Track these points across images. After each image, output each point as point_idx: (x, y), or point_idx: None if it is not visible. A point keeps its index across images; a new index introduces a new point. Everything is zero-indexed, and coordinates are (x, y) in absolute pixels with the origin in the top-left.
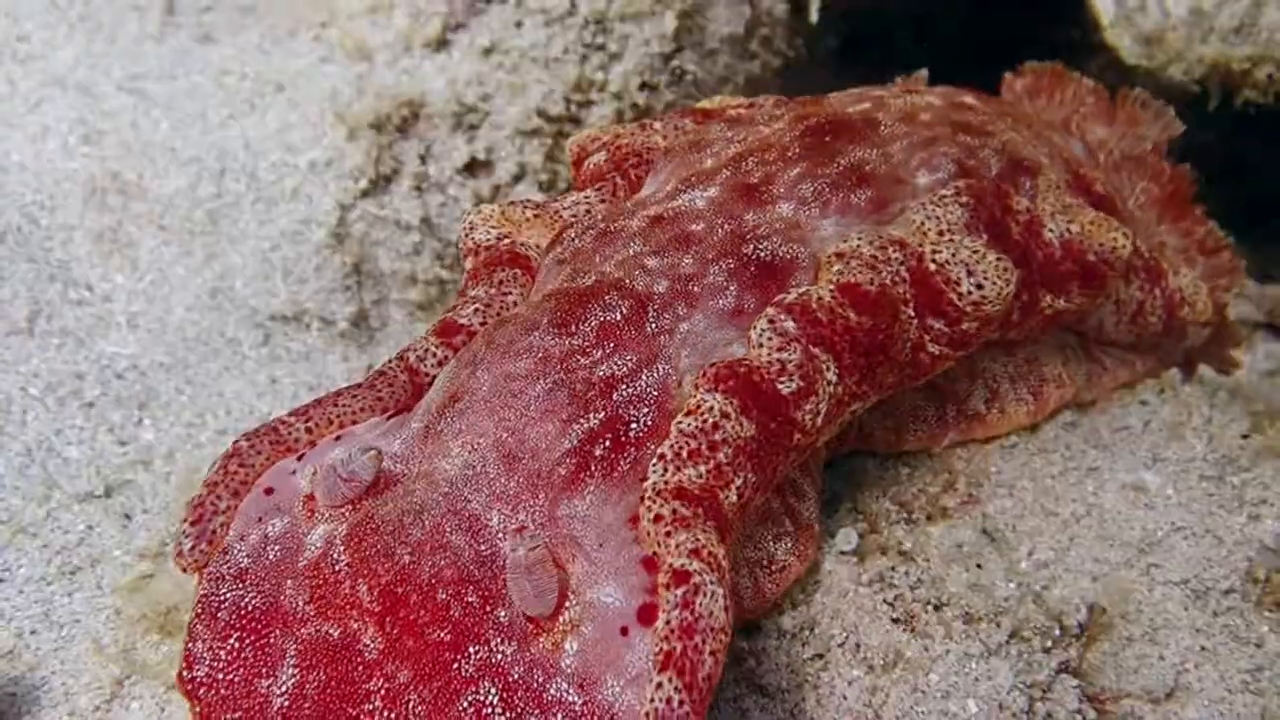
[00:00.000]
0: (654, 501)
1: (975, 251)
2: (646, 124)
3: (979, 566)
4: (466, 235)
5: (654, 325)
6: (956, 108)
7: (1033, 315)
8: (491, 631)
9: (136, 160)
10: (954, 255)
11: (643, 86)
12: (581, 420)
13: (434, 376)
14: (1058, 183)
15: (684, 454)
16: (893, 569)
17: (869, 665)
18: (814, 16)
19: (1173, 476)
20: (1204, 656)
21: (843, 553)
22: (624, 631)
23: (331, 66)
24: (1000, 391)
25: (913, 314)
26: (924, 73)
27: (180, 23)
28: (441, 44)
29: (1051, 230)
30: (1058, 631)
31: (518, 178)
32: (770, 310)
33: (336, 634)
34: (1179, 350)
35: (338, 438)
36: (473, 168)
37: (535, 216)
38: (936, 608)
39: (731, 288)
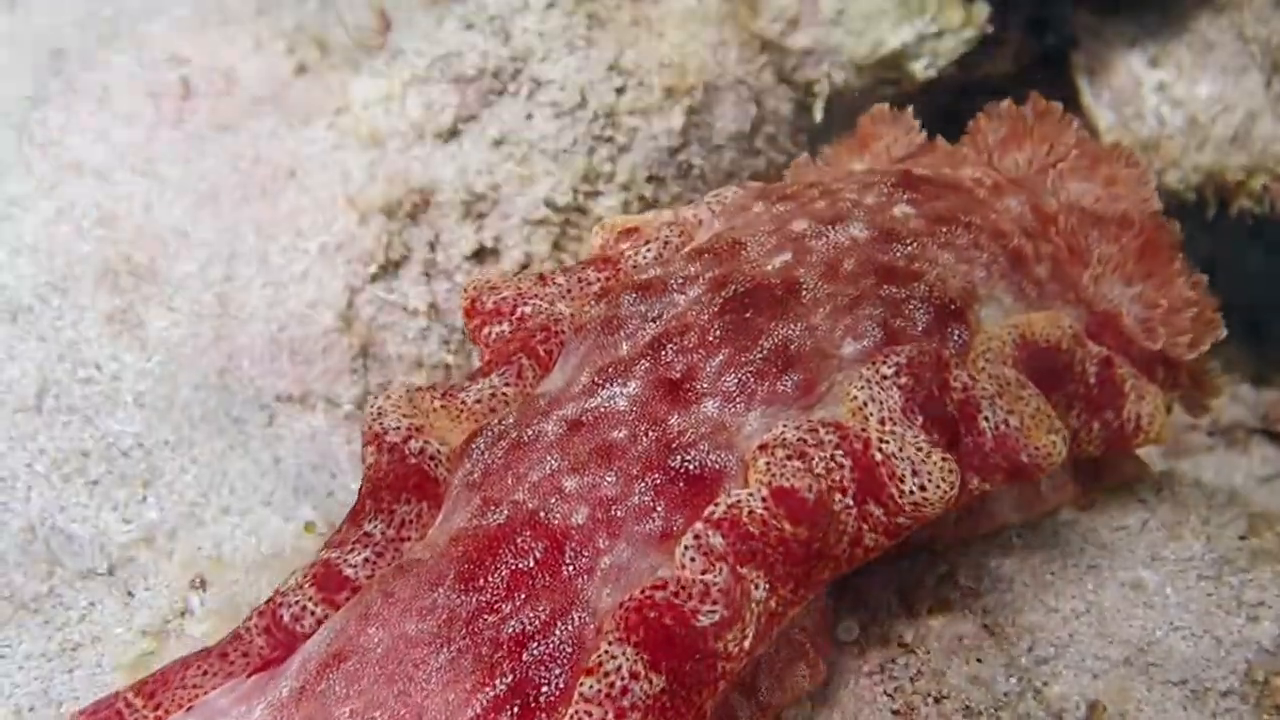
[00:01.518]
0: None
1: (920, 449)
2: (547, 279)
3: (979, 660)
4: (374, 421)
5: (571, 567)
6: (884, 239)
7: (959, 495)
8: None
9: (149, 243)
10: (899, 450)
11: (650, 179)
12: (487, 688)
13: (308, 635)
14: (995, 346)
15: None
16: (893, 660)
17: None
18: (818, 116)
19: (1171, 576)
20: None
21: (844, 642)
22: None
23: (344, 153)
24: None
25: (851, 503)
26: (917, 132)
27: (196, 108)
28: (453, 134)
29: (987, 419)
30: None
31: (524, 266)
32: (697, 525)
33: None
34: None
35: (189, 708)
36: (480, 255)
37: (442, 407)
38: (937, 700)
39: (659, 508)
